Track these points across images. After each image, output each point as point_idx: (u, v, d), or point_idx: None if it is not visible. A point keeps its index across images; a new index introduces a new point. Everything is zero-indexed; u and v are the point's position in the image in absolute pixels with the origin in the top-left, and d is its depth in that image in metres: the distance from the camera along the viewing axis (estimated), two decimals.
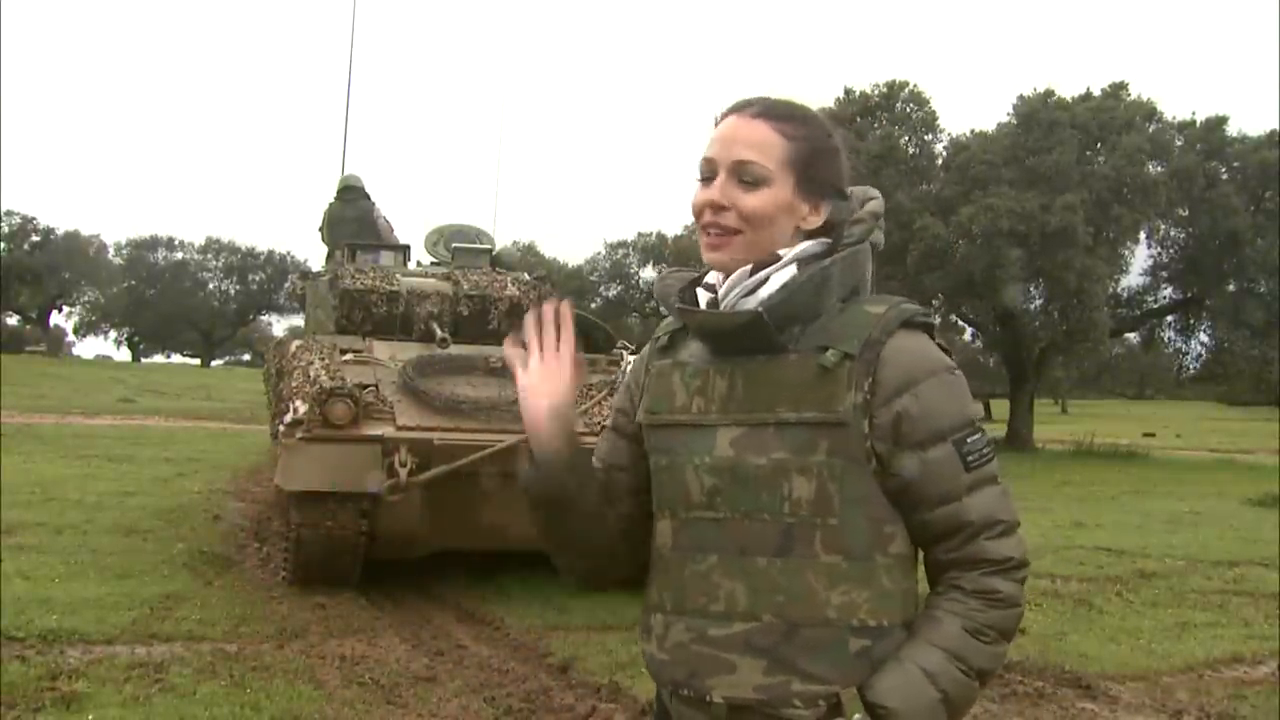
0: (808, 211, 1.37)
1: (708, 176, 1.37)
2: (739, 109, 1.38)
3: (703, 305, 1.39)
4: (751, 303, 1.34)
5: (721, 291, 1.37)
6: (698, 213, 1.37)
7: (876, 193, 1.44)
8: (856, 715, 1.28)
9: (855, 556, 1.31)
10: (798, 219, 1.37)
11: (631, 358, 6.42)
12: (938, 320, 21.94)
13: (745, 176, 1.34)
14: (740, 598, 1.32)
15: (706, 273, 1.44)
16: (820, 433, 1.30)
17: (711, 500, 1.34)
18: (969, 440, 1.32)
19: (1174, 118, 21.10)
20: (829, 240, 1.39)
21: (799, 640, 1.30)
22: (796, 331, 1.34)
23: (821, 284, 1.34)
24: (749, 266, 1.35)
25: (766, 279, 1.35)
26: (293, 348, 6.63)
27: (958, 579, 1.33)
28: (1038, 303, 20.66)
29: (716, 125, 1.39)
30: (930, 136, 21.65)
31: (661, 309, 1.48)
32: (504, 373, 5.96)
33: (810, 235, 1.39)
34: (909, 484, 1.32)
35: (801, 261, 1.36)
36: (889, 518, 1.33)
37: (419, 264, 8.36)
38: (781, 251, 1.36)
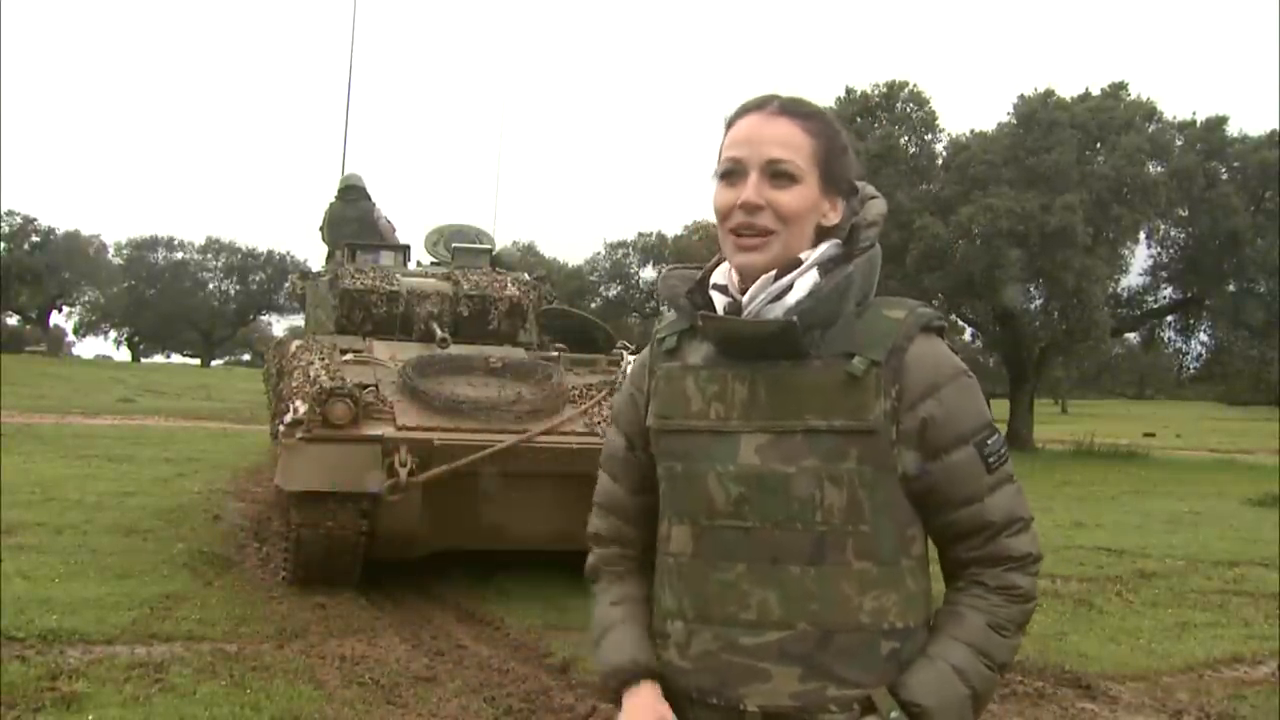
0: (828, 209, 1.38)
1: (731, 174, 1.35)
2: (757, 107, 1.37)
3: (720, 308, 1.37)
4: (778, 308, 1.33)
5: (746, 297, 1.35)
6: (725, 214, 1.35)
7: (875, 191, 1.44)
8: (894, 714, 1.29)
9: (884, 561, 1.32)
10: (820, 216, 1.37)
11: (631, 358, 6.42)
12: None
13: (778, 173, 1.33)
14: (773, 606, 1.31)
15: (711, 271, 1.43)
16: (850, 440, 1.31)
17: (739, 509, 1.33)
18: (989, 442, 1.35)
19: (1174, 118, 21.12)
20: (840, 241, 1.39)
21: (834, 646, 1.30)
22: (816, 336, 1.33)
23: (846, 289, 1.34)
24: (773, 272, 1.34)
25: (791, 285, 1.34)
26: (293, 348, 6.63)
27: (979, 575, 1.36)
28: (1038, 303, 20.66)
29: (730, 125, 1.37)
30: (930, 136, 21.66)
31: (663, 308, 1.48)
32: (504, 373, 5.97)
33: (824, 234, 1.39)
34: (933, 487, 1.34)
35: (821, 265, 1.36)
36: (911, 521, 1.35)
37: (419, 264, 8.36)
38: (802, 255, 1.36)
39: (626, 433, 1.50)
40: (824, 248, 1.37)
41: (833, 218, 1.38)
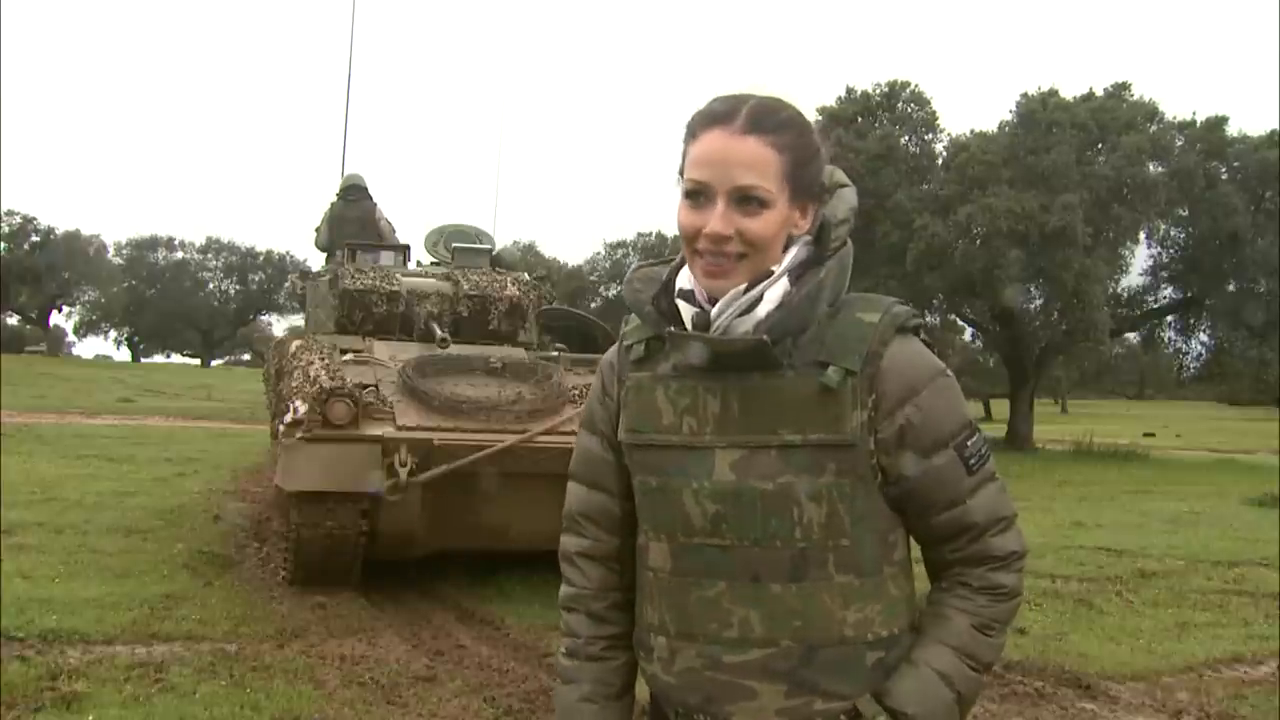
0: (798, 218, 1.32)
1: (696, 194, 1.27)
2: (721, 121, 1.27)
3: (687, 319, 1.31)
4: (748, 322, 1.28)
5: (714, 311, 1.29)
6: (691, 236, 1.28)
7: (843, 176, 1.38)
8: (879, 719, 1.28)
9: (867, 573, 1.30)
10: (791, 228, 1.32)
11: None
12: (937, 320, 22.02)
13: (748, 202, 1.26)
14: (755, 624, 1.29)
15: (678, 270, 1.36)
16: (827, 454, 1.27)
17: (716, 527, 1.30)
18: (969, 443, 1.33)
19: (1174, 118, 21.09)
20: (809, 240, 1.34)
21: (818, 661, 1.29)
22: (788, 344, 1.29)
23: (817, 296, 1.29)
24: (743, 284, 1.28)
25: (761, 296, 1.28)
26: (293, 347, 6.63)
27: (963, 575, 1.34)
28: (1038, 303, 20.65)
29: (694, 136, 1.28)
30: (931, 136, 21.63)
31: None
32: (504, 373, 5.96)
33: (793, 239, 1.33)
34: (913, 492, 1.32)
35: (792, 271, 1.31)
36: (891, 527, 1.33)
37: (419, 264, 8.37)
38: (772, 266, 1.30)
39: (602, 431, 1.44)
40: (794, 252, 1.31)
41: (804, 226, 1.33)
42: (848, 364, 1.27)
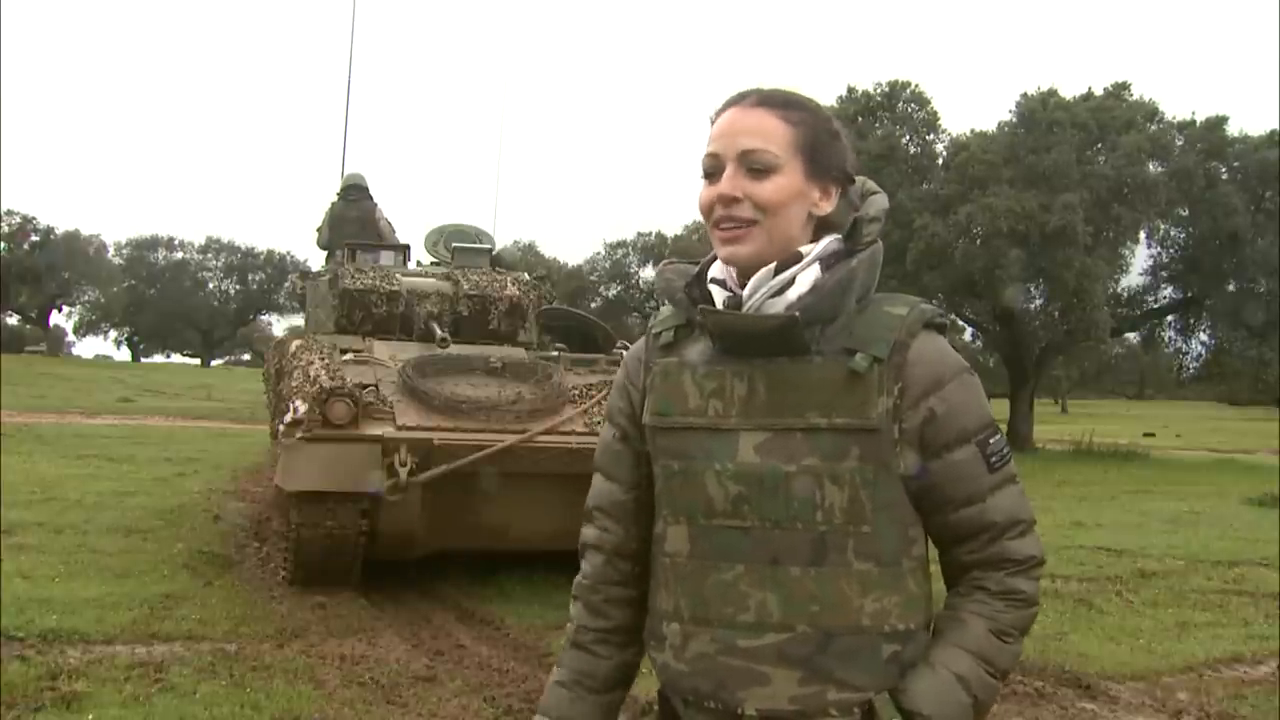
0: (818, 197, 1.34)
1: (713, 173, 1.33)
2: (735, 101, 1.34)
3: (719, 302, 1.34)
4: (780, 304, 1.30)
5: (746, 291, 1.32)
6: (707, 210, 1.33)
7: (875, 186, 1.42)
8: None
9: (886, 563, 1.30)
10: (809, 205, 1.34)
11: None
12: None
13: (754, 165, 1.30)
14: (773, 608, 1.29)
15: (709, 265, 1.40)
16: (852, 439, 1.28)
17: (737, 508, 1.30)
18: (991, 441, 1.33)
19: (1174, 117, 21.10)
20: (840, 236, 1.37)
21: (834, 649, 1.28)
22: (816, 332, 1.31)
23: (848, 284, 1.31)
24: (772, 266, 1.32)
25: (793, 279, 1.31)
26: (293, 347, 6.63)
27: (981, 580, 1.34)
28: (1038, 302, 20.65)
29: (714, 123, 1.35)
30: (931, 136, 21.64)
31: (661, 304, 1.44)
32: (504, 373, 5.96)
33: (822, 225, 1.36)
34: (933, 486, 1.31)
35: (823, 260, 1.33)
36: (912, 521, 1.33)
37: (419, 264, 8.37)
38: (803, 249, 1.33)
39: (619, 423, 1.46)
40: (825, 242, 1.34)
41: (825, 206, 1.35)
42: (875, 351, 1.29)
